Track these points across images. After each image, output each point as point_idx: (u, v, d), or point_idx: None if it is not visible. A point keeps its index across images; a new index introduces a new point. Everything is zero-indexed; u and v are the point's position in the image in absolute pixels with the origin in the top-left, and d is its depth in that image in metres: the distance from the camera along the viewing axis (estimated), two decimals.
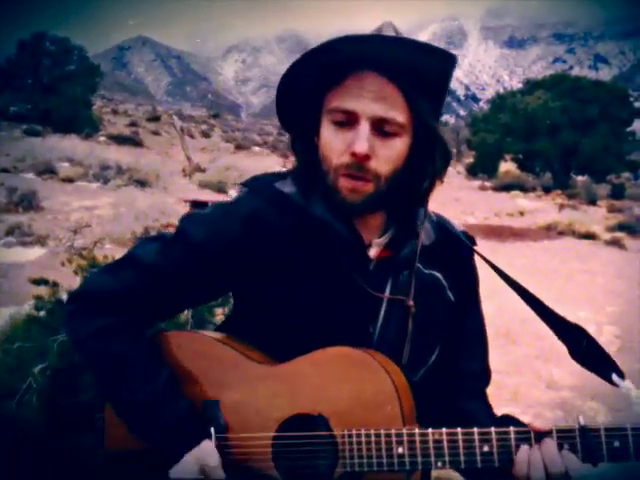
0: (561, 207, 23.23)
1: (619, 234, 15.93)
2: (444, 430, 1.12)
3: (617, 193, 31.69)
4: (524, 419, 3.49)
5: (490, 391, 4.87)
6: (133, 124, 49.35)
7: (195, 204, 11.40)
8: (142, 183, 17.02)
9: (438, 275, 1.37)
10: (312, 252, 1.25)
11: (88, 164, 18.50)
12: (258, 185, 1.32)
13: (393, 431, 1.12)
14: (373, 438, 1.12)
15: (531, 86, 41.58)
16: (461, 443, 1.11)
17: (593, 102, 37.30)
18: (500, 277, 1.42)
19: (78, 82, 37.74)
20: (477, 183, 35.86)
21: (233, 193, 1.33)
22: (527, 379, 5.51)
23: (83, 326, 1.25)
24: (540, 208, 22.70)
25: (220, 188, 18.26)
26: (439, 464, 1.11)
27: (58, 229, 10.41)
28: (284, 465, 1.17)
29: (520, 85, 46.85)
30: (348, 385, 1.15)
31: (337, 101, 1.18)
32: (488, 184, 34.83)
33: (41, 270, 6.43)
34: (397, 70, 1.16)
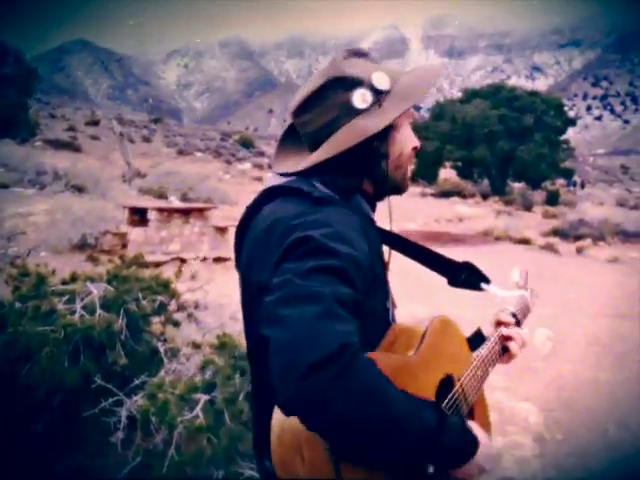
0: (498, 213, 23.78)
1: (553, 239, 16.41)
2: (485, 348, 1.57)
3: (552, 199, 32.62)
4: None
5: None
6: (71, 128, 48.30)
7: (134, 210, 11.24)
8: (80, 189, 16.66)
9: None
10: (378, 251, 1.43)
11: (24, 169, 17.99)
12: (327, 195, 1.35)
13: (474, 362, 1.49)
14: (471, 374, 1.46)
15: (470, 95, 42.50)
16: (492, 352, 1.60)
17: (529, 111, 38.37)
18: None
19: (14, 85, 36.66)
20: (418, 190, 36.37)
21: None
22: None
23: (361, 377, 1.08)
24: (478, 214, 23.18)
25: (161, 194, 18.02)
26: (490, 370, 1.56)
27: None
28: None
29: (459, 94, 47.77)
30: (450, 343, 1.43)
31: (411, 109, 1.44)
32: (428, 190, 35.40)
33: None
34: None
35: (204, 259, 10.39)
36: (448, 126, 39.70)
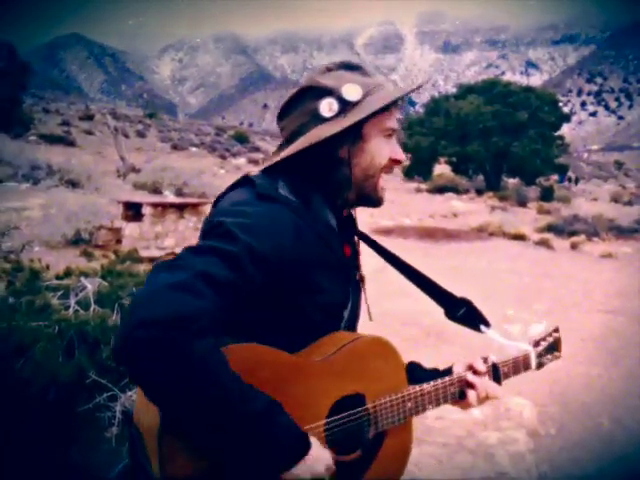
0: (492, 209, 23.80)
1: (547, 235, 16.44)
2: (432, 384, 1.55)
3: (546, 195, 32.68)
4: (453, 416, 3.63)
5: None
6: (65, 123, 48.09)
7: (129, 205, 11.21)
8: (74, 184, 16.62)
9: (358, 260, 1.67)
10: (327, 255, 1.45)
11: (18, 164, 17.92)
12: (276, 194, 1.42)
13: (405, 392, 1.50)
14: (394, 402, 1.47)
15: (464, 91, 42.50)
16: (441, 391, 1.57)
17: (523, 107, 38.39)
18: (380, 255, 1.74)
19: (7, 80, 36.49)
20: (413, 185, 36.39)
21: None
22: None
23: (183, 352, 1.11)
24: (473, 210, 23.21)
25: (155, 189, 17.97)
26: (430, 407, 1.55)
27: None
28: (336, 442, 1.38)
29: (454, 90, 47.78)
30: (375, 364, 1.46)
31: (389, 122, 1.50)
32: (423, 186, 35.40)
33: None
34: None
35: None
36: (442, 122, 39.72)
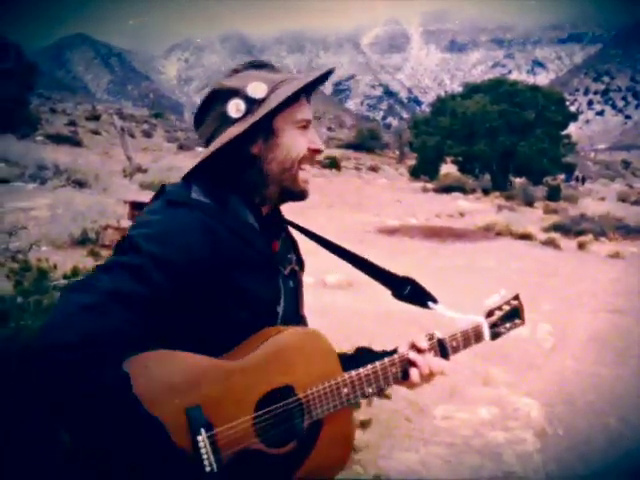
0: (499, 208, 23.73)
1: (554, 234, 16.39)
2: (369, 367, 1.55)
3: (553, 195, 32.57)
4: (461, 415, 3.63)
5: (427, 388, 4.98)
6: (72, 123, 48.25)
7: (135, 205, 11.23)
8: (80, 184, 16.64)
9: (293, 254, 1.69)
10: (247, 253, 1.45)
11: (24, 164, 17.97)
12: (187, 198, 1.44)
13: (339, 379, 1.50)
14: (327, 389, 1.48)
15: (470, 90, 42.41)
16: (380, 373, 1.57)
17: (530, 106, 38.29)
18: (317, 242, 1.74)
19: (14, 80, 36.60)
20: (419, 185, 36.33)
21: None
22: (464, 377, 5.62)
23: (91, 378, 1.13)
24: (479, 209, 23.16)
25: None
26: (370, 391, 1.55)
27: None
28: (267, 436, 1.40)
29: (460, 89, 47.69)
30: (303, 356, 1.46)
31: (300, 114, 1.50)
32: (430, 186, 35.32)
33: None
34: (311, 92, 1.57)
35: None
36: (449, 121, 39.63)
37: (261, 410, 1.38)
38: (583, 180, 53.83)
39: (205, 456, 1.28)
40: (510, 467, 4.07)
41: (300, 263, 1.70)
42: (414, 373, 1.61)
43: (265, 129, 1.48)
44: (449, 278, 10.20)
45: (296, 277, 1.64)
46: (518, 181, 41.05)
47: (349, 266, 1.77)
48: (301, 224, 1.70)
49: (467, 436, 4.47)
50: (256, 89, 1.46)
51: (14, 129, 31.63)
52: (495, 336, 1.79)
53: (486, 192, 33.78)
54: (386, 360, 1.59)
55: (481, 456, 4.20)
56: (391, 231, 15.46)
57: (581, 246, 15.26)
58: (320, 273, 8.36)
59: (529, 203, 28.47)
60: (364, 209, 20.43)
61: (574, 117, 45.15)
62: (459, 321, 1.74)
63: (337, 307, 7.63)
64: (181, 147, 44.67)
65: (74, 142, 34.88)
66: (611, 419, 4.94)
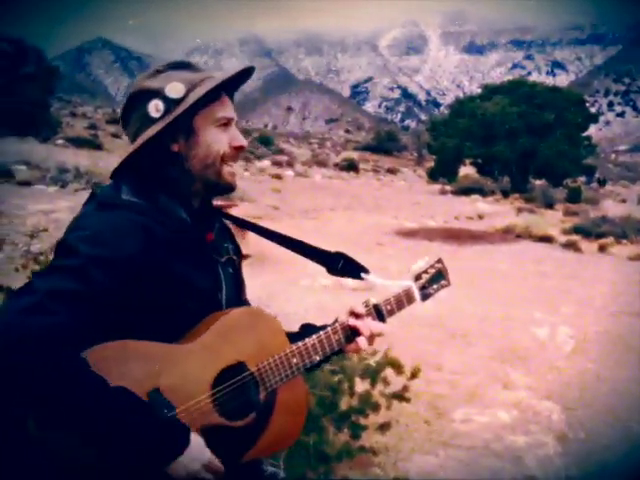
0: (519, 210, 23.60)
1: (575, 237, 16.26)
2: (314, 337, 1.65)
3: (573, 197, 32.30)
4: (481, 419, 3.62)
5: (447, 391, 4.99)
6: (92, 126, 48.64)
7: None
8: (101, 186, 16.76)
9: (229, 243, 1.76)
10: (181, 246, 1.51)
11: (46, 167, 18.16)
12: (116, 199, 1.50)
13: (287, 350, 1.60)
14: (277, 361, 1.58)
15: (489, 91, 42.24)
16: (325, 341, 1.66)
17: (550, 108, 38.05)
18: (249, 229, 1.84)
19: (36, 84, 36.99)
20: (437, 187, 36.21)
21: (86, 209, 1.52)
22: (483, 380, 5.59)
23: (42, 373, 1.20)
24: (498, 212, 23.04)
25: None
26: (317, 358, 1.65)
27: (14, 233, 10.20)
28: (226, 410, 1.49)
29: (479, 90, 47.46)
30: (251, 333, 1.56)
31: (221, 112, 1.56)
32: (448, 188, 35.19)
33: None
34: (233, 90, 1.65)
35: None
36: (468, 123, 39.49)
37: (217, 387, 1.47)
38: (603, 182, 53.33)
39: None
40: (530, 471, 4.04)
41: (237, 251, 1.77)
42: (360, 339, 1.72)
43: (185, 128, 1.53)
44: (468, 281, 10.16)
45: (234, 264, 1.72)
46: (538, 183, 40.78)
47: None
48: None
49: (487, 439, 4.44)
50: (173, 89, 1.52)
51: (35, 132, 31.97)
52: (425, 297, 1.91)
53: (505, 194, 33.60)
54: (329, 329, 1.69)
55: (501, 460, 4.17)
56: (409, 233, 15.42)
57: (602, 248, 15.12)
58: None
59: (549, 205, 28.28)
60: (382, 211, 20.39)
61: (594, 118, 44.82)
62: (391, 287, 1.84)
63: None
64: None
65: (94, 145, 35.14)
66: (634, 423, 4.88)
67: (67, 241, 1.39)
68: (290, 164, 43.07)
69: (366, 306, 1.77)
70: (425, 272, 1.91)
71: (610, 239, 16.26)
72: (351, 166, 46.64)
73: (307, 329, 1.77)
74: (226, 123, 1.57)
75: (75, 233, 1.40)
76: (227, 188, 1.62)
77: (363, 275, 1.82)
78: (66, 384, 1.22)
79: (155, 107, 1.52)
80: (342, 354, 1.81)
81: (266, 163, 41.31)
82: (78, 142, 34.65)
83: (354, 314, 1.74)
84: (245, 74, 1.62)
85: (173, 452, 1.33)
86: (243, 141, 1.60)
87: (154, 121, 1.51)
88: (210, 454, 1.40)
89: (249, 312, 1.63)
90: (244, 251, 1.92)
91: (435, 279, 1.92)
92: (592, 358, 6.53)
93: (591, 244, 15.70)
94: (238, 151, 1.60)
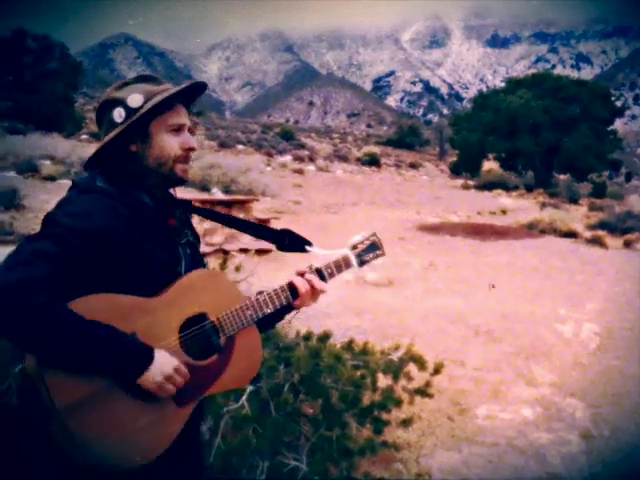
0: (543, 205, 23.38)
1: (600, 232, 16.07)
2: (265, 293, 1.95)
3: (598, 192, 31.95)
4: (504, 415, 3.61)
5: (470, 388, 4.97)
6: None
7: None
8: None
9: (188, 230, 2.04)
10: (146, 226, 1.81)
11: (70, 162, 18.35)
12: (93, 186, 1.82)
13: (243, 304, 1.89)
14: (234, 312, 1.86)
15: (513, 85, 41.85)
16: (274, 296, 1.95)
17: (575, 101, 37.61)
18: (200, 215, 2.14)
19: (60, 80, 37.35)
20: (460, 182, 35.98)
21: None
22: (507, 376, 5.56)
23: (25, 306, 1.48)
24: (522, 206, 22.86)
25: (204, 186, 18.19)
26: (268, 310, 1.94)
27: (39, 227, 10.33)
28: (193, 352, 1.77)
29: (503, 84, 47.05)
30: (210, 290, 1.85)
31: (173, 120, 1.87)
32: (471, 183, 34.97)
33: None
34: (189, 100, 1.96)
35: (246, 251, 10.47)
36: (491, 117, 39.18)
37: (184, 332, 1.76)
38: (629, 176, 52.62)
39: None
40: (554, 468, 4.02)
41: (195, 236, 2.06)
42: (300, 290, 2.00)
43: (141, 132, 1.84)
44: (492, 276, 10.09)
45: (192, 246, 1.99)
46: (562, 178, 40.36)
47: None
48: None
49: (510, 436, 4.42)
50: (133, 100, 1.83)
51: (60, 128, 32.31)
52: (362, 263, 2.19)
53: (529, 189, 33.32)
54: (277, 287, 1.98)
55: (524, 457, 4.15)
56: (432, 228, 15.35)
57: (627, 244, 14.94)
58: (361, 271, 8.34)
59: (574, 200, 28.00)
60: (404, 206, 20.32)
61: (620, 112, 44.19)
62: (333, 256, 2.12)
63: (377, 305, 7.61)
64: (222, 145, 45.05)
65: None
66: None
67: (52, 216, 1.70)
68: (311, 159, 43.05)
69: (309, 269, 2.06)
70: (361, 243, 2.20)
71: (635, 234, 16.05)
72: (373, 161, 46.50)
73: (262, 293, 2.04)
74: (178, 129, 1.88)
75: (59, 210, 1.72)
76: (179, 182, 1.92)
77: (307, 247, 2.13)
78: (49, 319, 1.50)
79: (118, 114, 1.83)
80: (294, 309, 2.09)
81: (287, 158, 41.30)
82: (101, 137, 34.93)
83: (299, 273, 2.05)
84: (199, 88, 1.96)
85: (148, 358, 1.62)
86: (192, 144, 1.91)
87: (117, 125, 1.82)
88: (177, 361, 1.68)
89: (207, 273, 1.96)
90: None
91: (370, 249, 2.22)
92: (617, 355, 6.46)
93: (616, 240, 15.52)
94: (188, 152, 1.90)
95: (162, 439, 1.69)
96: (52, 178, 16.98)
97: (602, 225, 17.73)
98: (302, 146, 54.79)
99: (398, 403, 3.91)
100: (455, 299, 8.12)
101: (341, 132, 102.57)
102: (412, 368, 4.19)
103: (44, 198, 13.35)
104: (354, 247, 2.19)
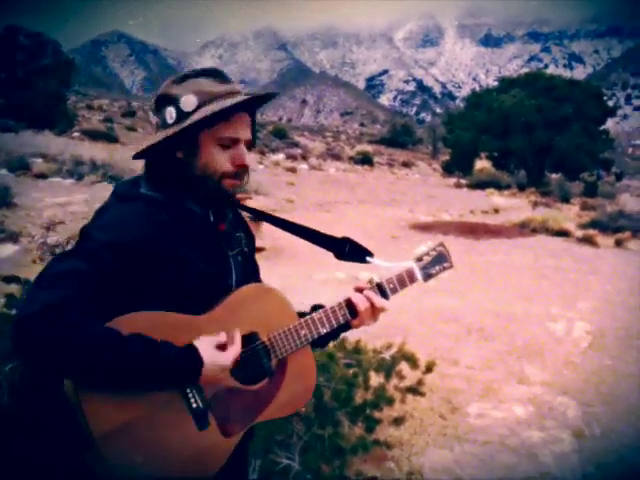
0: (535, 204, 23.42)
1: (591, 231, 16.11)
2: (321, 311, 1.82)
3: (590, 191, 32.03)
4: (496, 414, 3.61)
5: (462, 386, 4.98)
6: (108, 120, 48.84)
7: None
8: (117, 179, 16.83)
9: (241, 233, 1.91)
10: (191, 234, 1.66)
11: (62, 160, 18.27)
12: (132, 193, 1.68)
13: (296, 322, 1.76)
14: (287, 332, 1.73)
15: (506, 84, 41.94)
16: (331, 315, 1.83)
17: (567, 101, 37.72)
18: (260, 219, 1.98)
19: (53, 77, 37.19)
20: (452, 180, 36.04)
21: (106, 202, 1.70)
22: (499, 375, 5.56)
23: (56, 330, 1.36)
24: (514, 205, 22.89)
25: None
26: (324, 330, 1.80)
27: (31, 226, 10.29)
28: (241, 374, 1.65)
29: (496, 83, 47.15)
30: (262, 307, 1.72)
31: (226, 133, 1.66)
32: (463, 181, 35.02)
33: (13, 268, 6.36)
34: (253, 108, 1.75)
35: None
36: (484, 116, 39.25)
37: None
38: (620, 176, 52.85)
39: (190, 395, 1.53)
40: (546, 467, 4.02)
41: (251, 241, 1.95)
42: (360, 309, 1.87)
43: (189, 139, 1.65)
44: (484, 275, 10.11)
45: (245, 253, 1.87)
46: (554, 177, 40.48)
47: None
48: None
49: (502, 435, 4.42)
50: (186, 102, 1.64)
51: (52, 125, 32.19)
52: (427, 277, 2.03)
53: (521, 188, 33.37)
54: (335, 304, 1.85)
55: (516, 455, 4.15)
56: (424, 227, 15.36)
57: (619, 243, 14.98)
58: (353, 270, 8.34)
59: (565, 199, 28.05)
60: (397, 205, 20.33)
61: (612, 112, 44.32)
62: (396, 269, 1.98)
63: None
64: None
65: (110, 138, 35.28)
66: None
67: (86, 228, 1.58)
68: (304, 157, 43.02)
69: (369, 283, 1.92)
70: (427, 254, 2.04)
71: (627, 234, 16.10)
72: (366, 159, 46.52)
73: (317, 308, 1.90)
74: (229, 144, 1.67)
75: (94, 222, 1.60)
76: (227, 197, 1.72)
77: (368, 258, 1.97)
78: (80, 336, 1.38)
79: (170, 114, 1.66)
80: (349, 329, 1.95)
81: (280, 156, 41.27)
82: (94, 135, 34.82)
83: (357, 289, 1.91)
84: (266, 98, 1.74)
85: (199, 363, 1.50)
86: (244, 160, 1.69)
87: (167, 126, 1.66)
88: (216, 338, 1.56)
89: (259, 288, 1.77)
90: (258, 242, 2.04)
91: (436, 261, 2.05)
92: (609, 354, 6.47)
93: (608, 239, 15.56)
94: (239, 169, 1.69)
95: (206, 470, 1.58)
96: (44, 176, 16.91)
97: (594, 224, 17.75)
98: (295, 144, 54.80)
99: (390, 401, 3.91)
100: (448, 298, 8.13)
101: (334, 130, 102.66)
102: (404, 367, 4.19)
103: (36, 196, 13.30)
104: (419, 259, 2.03)
